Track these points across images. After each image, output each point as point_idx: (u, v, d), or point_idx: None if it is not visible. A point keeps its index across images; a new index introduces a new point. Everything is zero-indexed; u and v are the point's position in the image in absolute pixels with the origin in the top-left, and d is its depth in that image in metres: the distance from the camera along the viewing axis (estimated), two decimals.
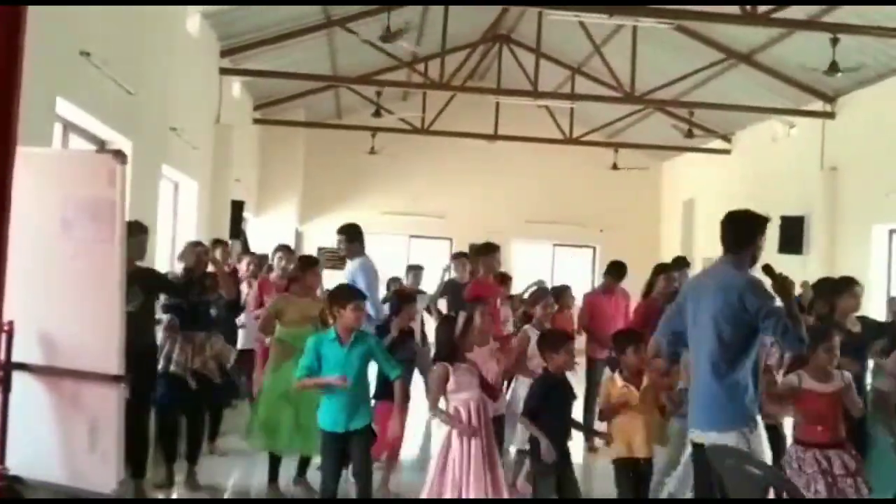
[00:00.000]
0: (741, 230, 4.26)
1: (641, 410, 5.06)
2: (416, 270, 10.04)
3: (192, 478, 5.92)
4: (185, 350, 5.78)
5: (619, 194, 18.34)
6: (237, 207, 13.01)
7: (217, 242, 8.50)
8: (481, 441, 4.82)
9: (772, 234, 12.99)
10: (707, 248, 15.01)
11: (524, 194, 17.94)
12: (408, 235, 18.69)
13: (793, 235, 12.54)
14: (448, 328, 5.22)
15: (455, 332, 5.11)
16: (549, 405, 5.04)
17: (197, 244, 6.48)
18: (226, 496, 6.11)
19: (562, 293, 8.29)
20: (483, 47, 15.54)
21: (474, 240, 16.97)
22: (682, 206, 17.56)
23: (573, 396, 5.27)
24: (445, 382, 4.89)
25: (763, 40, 11.40)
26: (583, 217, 18.41)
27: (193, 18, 10.56)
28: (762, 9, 8.96)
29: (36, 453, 3.59)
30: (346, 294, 5.06)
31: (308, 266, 6.25)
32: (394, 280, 10.52)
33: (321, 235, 18.53)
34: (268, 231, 15.81)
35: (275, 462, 5.91)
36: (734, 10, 8.99)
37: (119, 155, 3.44)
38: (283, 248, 7.88)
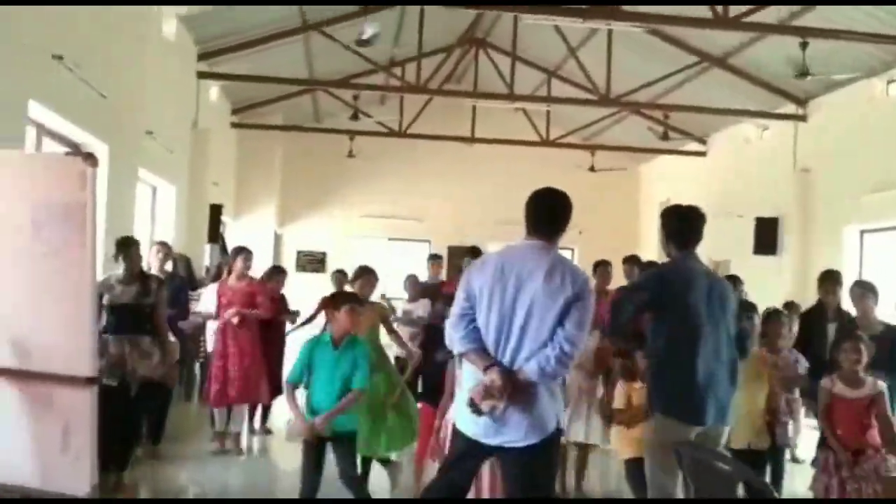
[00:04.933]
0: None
1: None
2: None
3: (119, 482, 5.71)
4: (131, 357, 5.61)
5: (596, 196, 18.42)
6: (215, 211, 13.00)
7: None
8: None
9: (747, 236, 13.20)
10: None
11: (501, 196, 17.94)
12: (387, 238, 18.73)
13: (767, 237, 12.71)
14: None
15: None
16: None
17: (133, 242, 6.09)
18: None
19: None
20: (459, 51, 15.61)
21: (452, 242, 17.10)
22: (659, 208, 17.68)
23: None
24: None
25: (735, 44, 11.55)
26: None
27: (170, 22, 10.52)
28: (733, 12, 9.09)
29: (8, 457, 3.59)
30: (341, 298, 5.18)
31: (357, 276, 6.28)
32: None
33: (300, 238, 18.57)
34: (246, 234, 15.77)
35: (364, 464, 5.86)
36: (706, 13, 9.12)
37: (90, 157, 3.45)
38: (243, 251, 7.43)
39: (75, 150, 7.25)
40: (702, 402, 4.12)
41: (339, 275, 8.94)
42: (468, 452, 3.57)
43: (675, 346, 4.17)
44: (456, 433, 3.65)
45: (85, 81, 7.26)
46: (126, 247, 5.83)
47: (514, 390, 3.39)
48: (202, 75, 12.33)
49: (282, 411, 9.05)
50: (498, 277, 3.50)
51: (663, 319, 4.25)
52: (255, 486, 6.32)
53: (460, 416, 3.61)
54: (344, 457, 4.91)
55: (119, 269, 5.77)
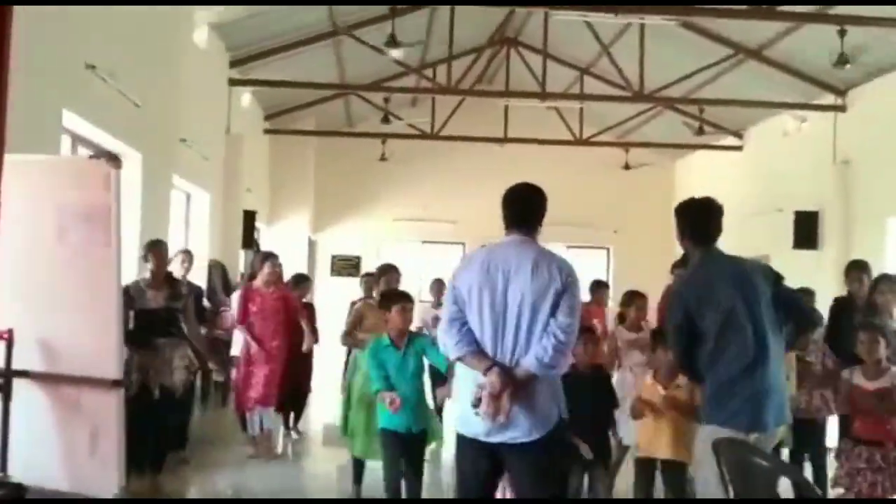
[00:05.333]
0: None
1: (667, 411, 4.92)
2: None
3: (155, 487, 5.75)
4: (154, 364, 5.59)
5: (631, 194, 18.24)
6: (249, 217, 13.06)
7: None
8: None
9: (786, 230, 12.94)
10: (722, 245, 14.90)
11: None
12: (420, 241, 18.70)
13: (807, 231, 12.45)
14: None
15: None
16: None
17: (161, 243, 6.17)
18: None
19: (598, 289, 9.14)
20: (490, 50, 15.53)
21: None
22: None
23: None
24: None
25: (771, 35, 11.33)
26: (596, 218, 18.30)
27: (201, 30, 10.61)
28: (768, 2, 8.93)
29: (38, 459, 3.61)
30: (392, 297, 5.18)
31: (381, 274, 6.32)
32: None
33: (334, 243, 18.61)
34: (281, 240, 15.85)
35: (358, 465, 5.88)
36: (741, 4, 8.97)
37: (113, 160, 3.47)
38: (271, 256, 7.49)
39: (100, 153, 7.31)
40: (760, 407, 3.91)
41: (368, 277, 8.92)
42: (473, 453, 3.55)
43: (723, 356, 3.95)
44: (457, 437, 3.62)
45: (118, 90, 7.33)
46: (152, 246, 5.89)
47: (516, 389, 3.38)
48: (234, 82, 12.42)
49: (316, 415, 9.09)
50: (485, 276, 3.51)
51: (705, 331, 4.05)
52: (288, 489, 6.31)
53: (457, 419, 3.60)
54: (419, 455, 5.02)
55: (146, 273, 5.82)
